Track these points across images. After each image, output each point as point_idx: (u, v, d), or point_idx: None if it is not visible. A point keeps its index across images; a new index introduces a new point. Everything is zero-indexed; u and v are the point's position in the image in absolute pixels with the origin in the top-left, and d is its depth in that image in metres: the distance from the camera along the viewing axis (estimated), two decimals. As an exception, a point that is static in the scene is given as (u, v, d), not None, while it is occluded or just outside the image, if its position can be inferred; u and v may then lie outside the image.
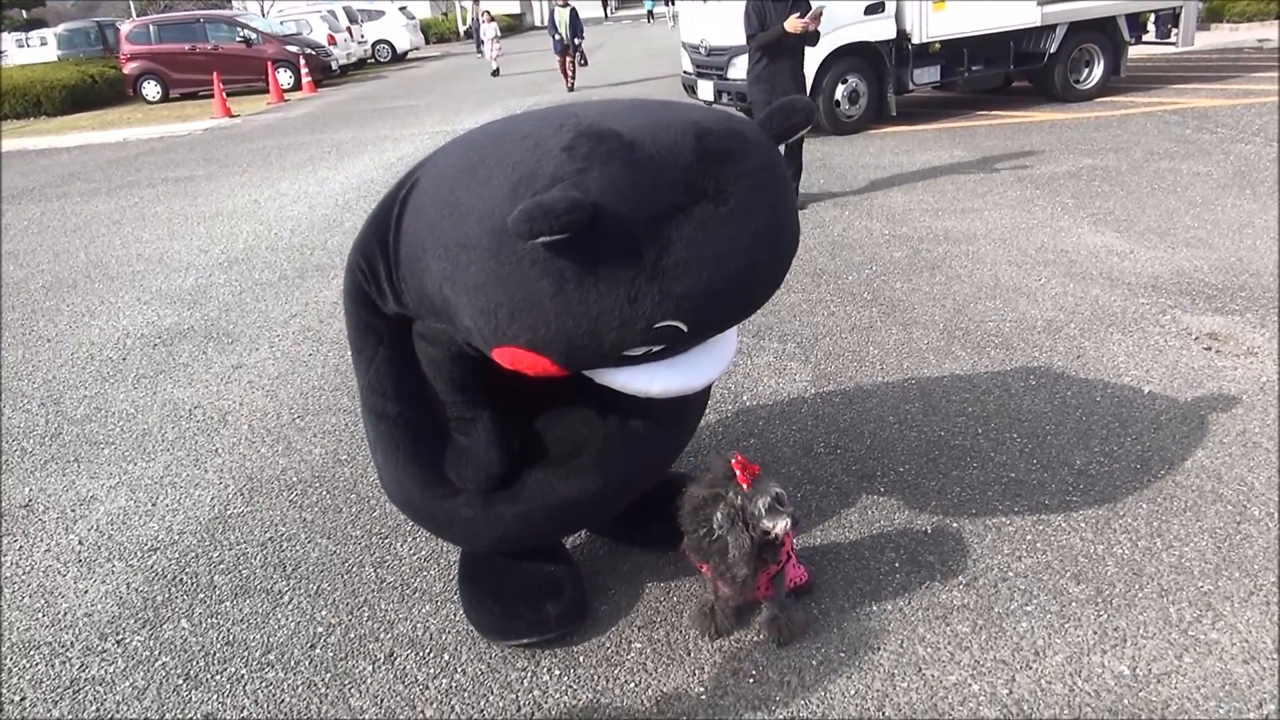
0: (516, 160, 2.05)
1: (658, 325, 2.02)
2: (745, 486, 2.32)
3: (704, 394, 2.81)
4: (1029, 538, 2.95)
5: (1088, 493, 3.16)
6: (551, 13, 17.42)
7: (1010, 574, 2.79)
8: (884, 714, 2.32)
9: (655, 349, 2.12)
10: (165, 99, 22.84)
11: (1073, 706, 2.28)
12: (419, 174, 2.36)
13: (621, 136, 2.03)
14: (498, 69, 21.74)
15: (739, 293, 2.15)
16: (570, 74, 17.34)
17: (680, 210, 1.97)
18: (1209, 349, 4.14)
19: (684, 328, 2.06)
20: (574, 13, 17.02)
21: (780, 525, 2.30)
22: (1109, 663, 2.41)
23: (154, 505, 3.70)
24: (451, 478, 2.54)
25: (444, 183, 2.21)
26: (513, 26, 39.13)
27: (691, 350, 2.26)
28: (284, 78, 21.64)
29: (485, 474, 2.51)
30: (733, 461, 2.35)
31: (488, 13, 23.88)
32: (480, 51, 23.25)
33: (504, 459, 2.51)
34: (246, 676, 2.68)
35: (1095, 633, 2.52)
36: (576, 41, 17.11)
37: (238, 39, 23.00)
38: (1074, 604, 2.63)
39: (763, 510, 2.29)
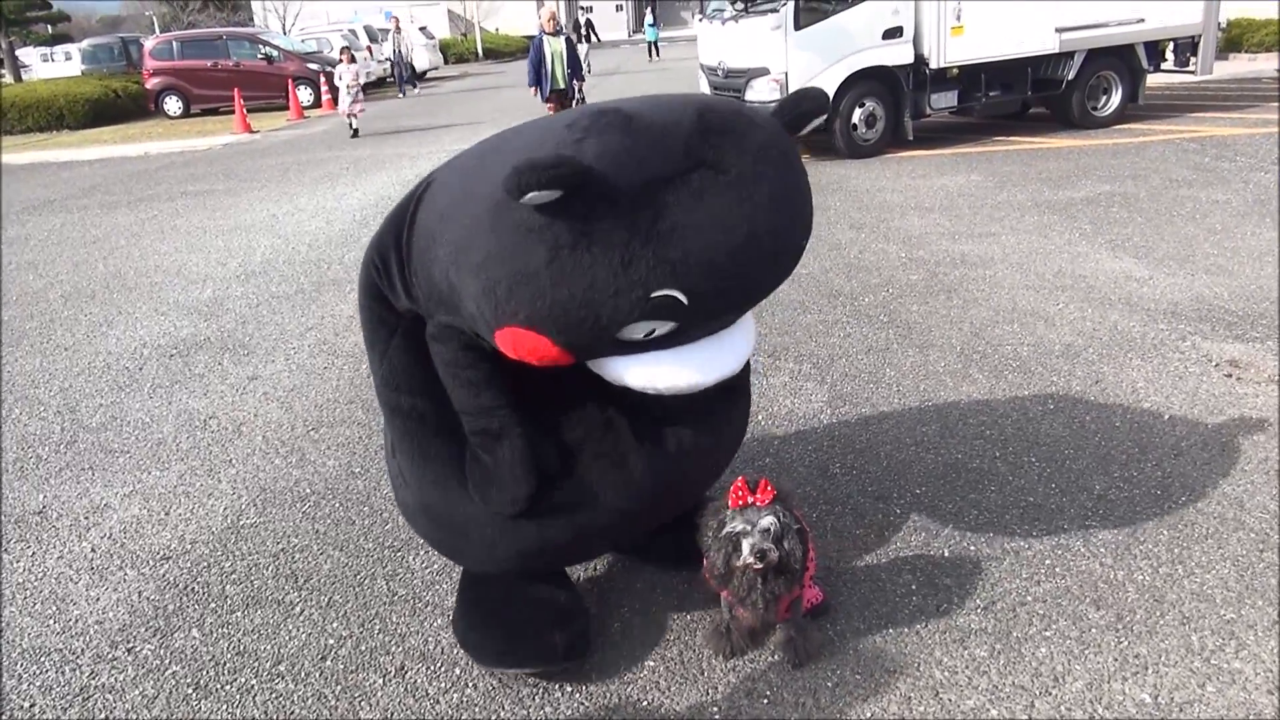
0: (522, 145, 2.13)
1: (655, 294, 1.98)
2: (730, 508, 2.32)
3: (740, 417, 2.73)
4: (1048, 562, 2.91)
5: (1107, 518, 3.12)
6: (538, 42, 11.84)
7: (1029, 599, 2.75)
8: (900, 738, 2.29)
9: (658, 329, 2.09)
10: (186, 114, 23.08)
11: (1093, 734, 2.25)
12: (437, 173, 2.40)
13: (622, 111, 2.08)
14: (357, 128, 16.07)
15: (739, 265, 2.08)
16: None
17: (678, 175, 1.97)
18: (1229, 376, 4.10)
19: (683, 298, 2.01)
20: (570, 43, 12.07)
21: (747, 554, 2.26)
22: (1130, 690, 2.37)
23: (167, 514, 3.69)
24: (476, 499, 2.41)
25: (457, 175, 2.28)
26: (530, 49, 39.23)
27: (700, 344, 2.23)
28: (304, 95, 21.83)
29: (511, 496, 2.37)
30: (737, 481, 2.34)
31: (347, 49, 17.14)
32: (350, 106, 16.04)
33: (532, 478, 2.37)
34: (256, 687, 2.67)
35: (1116, 659, 2.48)
36: (575, 85, 11.96)
37: (259, 56, 23.26)
38: (1094, 630, 2.60)
39: (746, 538, 2.27)
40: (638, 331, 2.07)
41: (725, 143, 2.03)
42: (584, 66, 12.37)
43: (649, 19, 35.49)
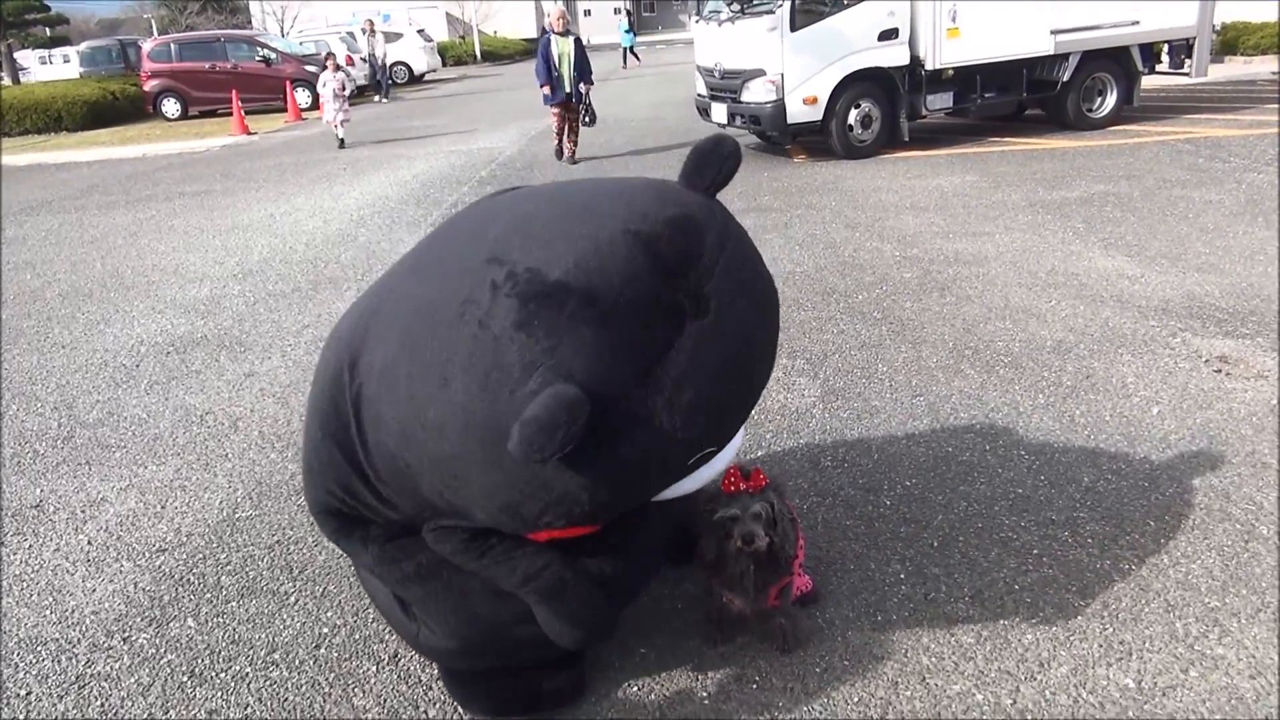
0: (470, 353, 1.83)
1: (695, 458, 1.98)
2: (723, 494, 2.35)
3: None
4: (1035, 552, 2.94)
5: (1095, 509, 3.15)
6: (544, 43, 11.05)
7: (1016, 587, 2.78)
8: (887, 721, 2.32)
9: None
10: (184, 116, 23.09)
11: (1077, 718, 2.27)
12: (358, 378, 2.07)
13: (572, 289, 1.82)
14: (343, 138, 14.89)
15: (752, 378, 2.09)
16: (564, 139, 11.53)
17: (670, 345, 1.85)
18: (1219, 371, 4.13)
19: (717, 447, 2.03)
20: (579, 44, 11.16)
21: (739, 538, 2.29)
22: (1114, 675, 2.40)
23: (163, 507, 3.72)
24: (564, 644, 2.26)
25: (394, 387, 1.96)
26: (530, 51, 38.93)
27: None
28: (302, 97, 21.83)
29: (590, 633, 2.28)
30: (731, 468, 2.37)
31: (332, 56, 15.75)
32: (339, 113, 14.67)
33: (604, 608, 2.28)
34: (251, 675, 2.69)
35: (1101, 646, 2.51)
36: (582, 89, 11.16)
37: (257, 58, 23.28)
38: (1080, 618, 2.62)
39: (736, 523, 2.30)
40: None
41: (690, 276, 1.89)
42: (591, 69, 11.43)
43: (623, 24, 32.69)
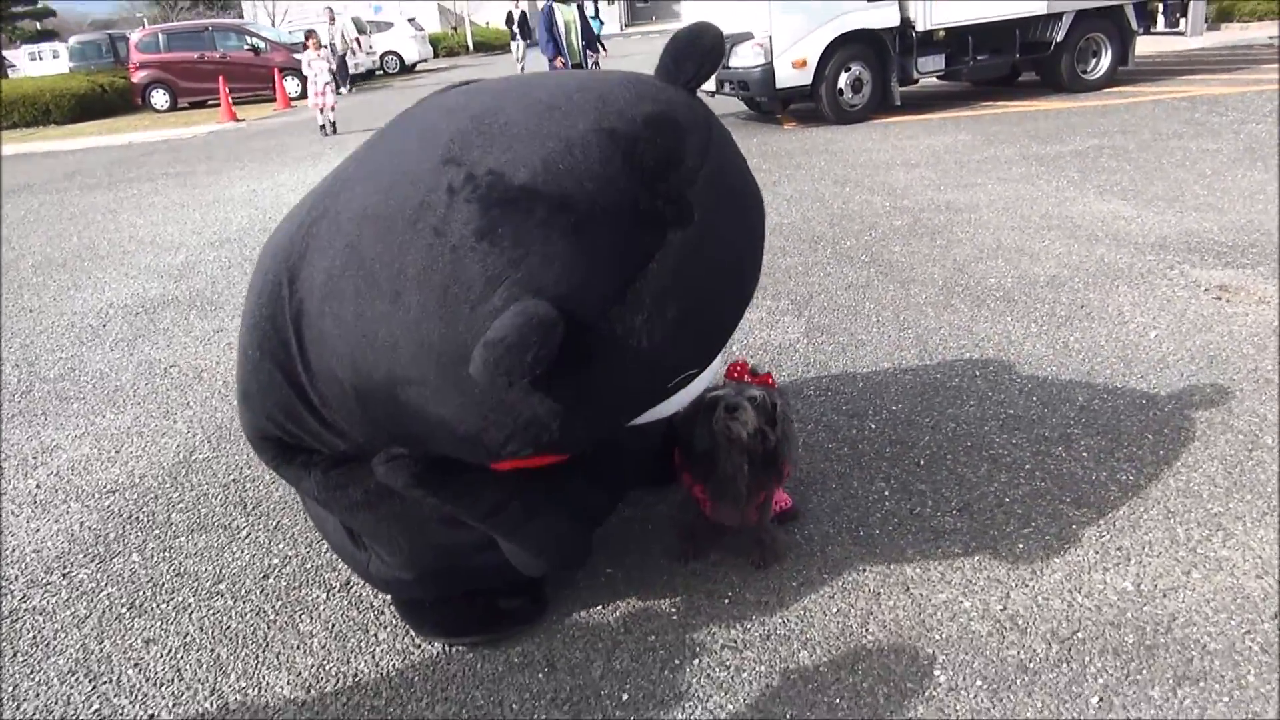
0: (425, 264, 1.63)
1: (675, 381, 1.83)
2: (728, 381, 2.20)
3: None
4: (1027, 467, 2.78)
5: (1090, 426, 2.99)
6: (545, 14, 10.35)
7: (1006, 500, 2.62)
8: (868, 630, 2.16)
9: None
10: (174, 108, 22.89)
11: (1071, 621, 2.11)
12: (298, 292, 1.86)
13: (540, 193, 1.61)
14: (330, 123, 13.95)
15: (739, 292, 1.90)
16: None
17: (650, 257, 1.64)
18: (1219, 299, 3.96)
19: (699, 369, 1.89)
20: (582, 12, 10.56)
21: (724, 408, 2.12)
22: (1111, 579, 2.24)
23: (118, 452, 3.56)
24: (532, 574, 2.18)
25: (340, 303, 1.75)
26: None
27: None
28: (291, 85, 21.62)
29: (565, 559, 2.21)
30: (738, 361, 2.22)
31: (313, 34, 14.64)
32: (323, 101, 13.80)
33: (577, 535, 2.18)
34: (194, 605, 2.54)
35: (1097, 552, 2.35)
36: (591, 59, 10.49)
37: (246, 47, 23.06)
38: (1074, 526, 2.47)
39: (734, 405, 2.12)
40: None
41: (672, 183, 1.68)
42: (597, 38, 10.68)
43: (590, 9, 31.10)
